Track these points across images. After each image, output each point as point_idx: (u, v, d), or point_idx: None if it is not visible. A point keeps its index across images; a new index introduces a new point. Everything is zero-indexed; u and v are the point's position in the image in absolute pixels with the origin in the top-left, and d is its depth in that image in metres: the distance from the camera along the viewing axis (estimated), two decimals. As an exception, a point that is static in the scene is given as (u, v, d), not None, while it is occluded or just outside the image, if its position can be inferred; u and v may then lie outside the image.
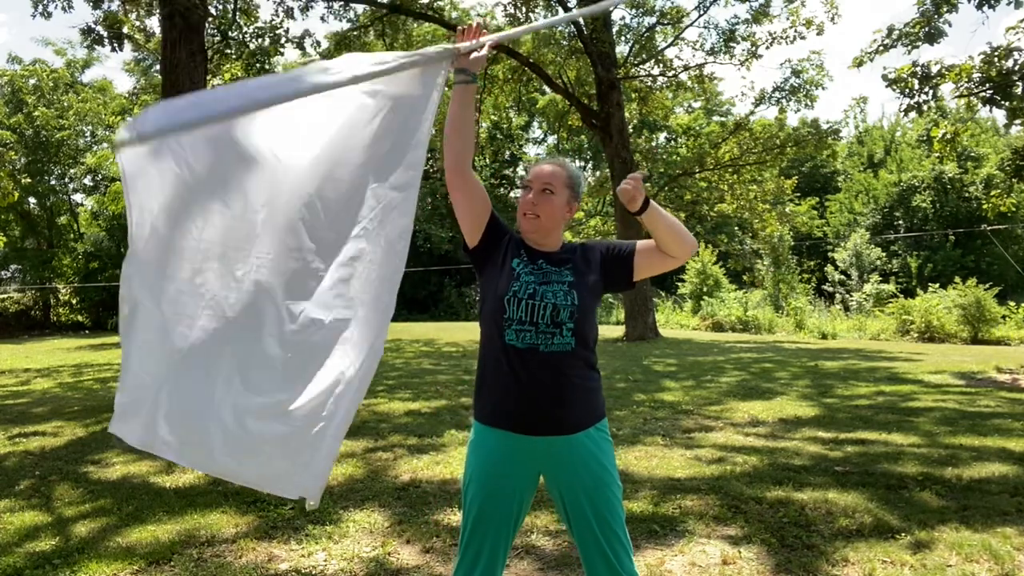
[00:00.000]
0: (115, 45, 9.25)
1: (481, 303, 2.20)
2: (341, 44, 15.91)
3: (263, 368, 2.02)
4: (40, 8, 9.60)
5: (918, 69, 10.28)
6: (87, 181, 30.20)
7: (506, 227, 2.23)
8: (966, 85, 10.06)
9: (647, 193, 2.12)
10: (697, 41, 22.03)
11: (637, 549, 3.46)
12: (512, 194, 39.35)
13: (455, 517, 3.95)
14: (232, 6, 10.25)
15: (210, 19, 9.47)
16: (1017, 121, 10.65)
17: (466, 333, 18.53)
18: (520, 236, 2.24)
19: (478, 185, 2.18)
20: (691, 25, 18.88)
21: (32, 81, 27.95)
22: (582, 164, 39.77)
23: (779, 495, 4.23)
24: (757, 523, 3.78)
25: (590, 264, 2.18)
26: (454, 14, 31.19)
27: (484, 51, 2.14)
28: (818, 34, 17.87)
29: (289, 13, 11.75)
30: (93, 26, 9.12)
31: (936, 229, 26.86)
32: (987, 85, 9.87)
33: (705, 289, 24.31)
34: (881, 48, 11.07)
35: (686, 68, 18.80)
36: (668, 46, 18.92)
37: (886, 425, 6.19)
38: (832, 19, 17.64)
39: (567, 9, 17.35)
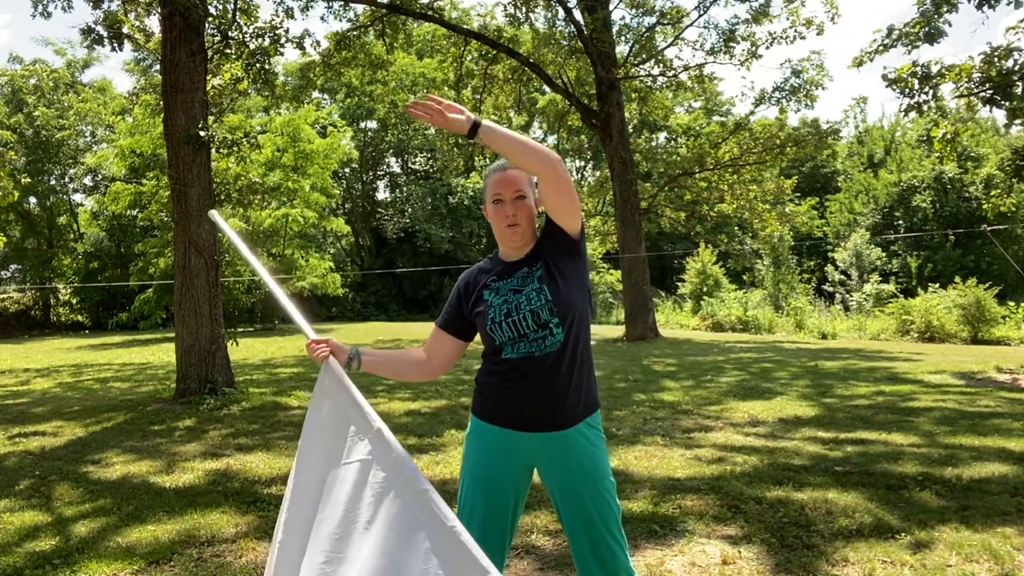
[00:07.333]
0: (115, 45, 9.22)
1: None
2: (341, 44, 15.90)
3: None
4: (40, 8, 9.59)
5: (918, 69, 10.26)
6: (87, 181, 30.25)
7: (459, 299, 2.26)
8: (966, 85, 10.04)
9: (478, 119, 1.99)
10: (697, 41, 22.11)
11: (637, 549, 3.46)
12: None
13: (455, 517, 3.94)
14: (232, 6, 10.21)
15: (210, 19, 9.45)
16: (1017, 121, 10.63)
17: (466, 333, 18.53)
18: (488, 262, 2.26)
19: (445, 353, 2.29)
20: (691, 25, 18.88)
21: (32, 81, 27.98)
22: (582, 164, 39.75)
23: (779, 495, 4.23)
24: (757, 523, 3.78)
25: (548, 246, 2.17)
26: (454, 14, 31.22)
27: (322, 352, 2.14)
28: (818, 34, 17.85)
29: (289, 13, 11.73)
30: (93, 26, 9.09)
31: (936, 229, 26.86)
32: (987, 85, 9.85)
33: (705, 289, 24.29)
34: (881, 48, 11.06)
35: (686, 68, 18.78)
36: (668, 46, 18.91)
37: (886, 425, 6.19)
38: (832, 19, 17.63)
39: (567, 9, 17.34)
